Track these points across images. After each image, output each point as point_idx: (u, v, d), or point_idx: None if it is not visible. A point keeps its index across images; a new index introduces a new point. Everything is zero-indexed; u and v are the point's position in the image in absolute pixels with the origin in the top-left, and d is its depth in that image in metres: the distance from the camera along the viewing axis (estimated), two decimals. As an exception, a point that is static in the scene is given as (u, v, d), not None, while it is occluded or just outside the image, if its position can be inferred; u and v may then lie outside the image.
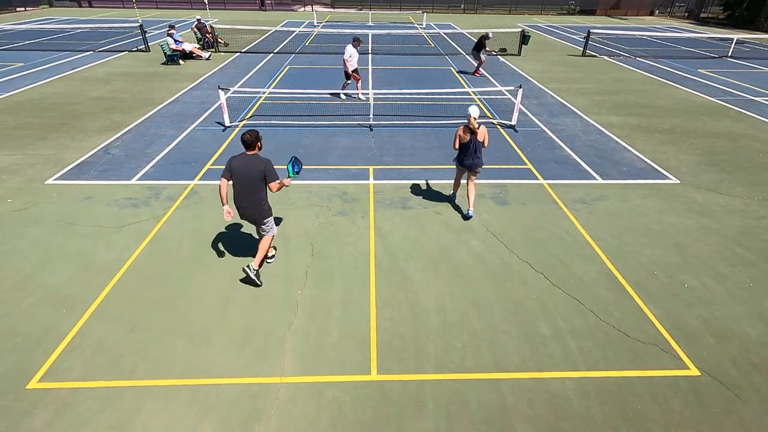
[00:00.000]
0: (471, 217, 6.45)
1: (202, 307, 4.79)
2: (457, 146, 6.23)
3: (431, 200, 7.05)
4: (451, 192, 7.01)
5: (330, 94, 12.53)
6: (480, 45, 15.28)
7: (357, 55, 11.62)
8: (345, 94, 12.42)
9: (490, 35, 15.37)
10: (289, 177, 4.79)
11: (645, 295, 5.07)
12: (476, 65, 15.66)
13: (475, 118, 5.96)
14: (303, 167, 5.09)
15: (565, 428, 3.61)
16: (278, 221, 4.97)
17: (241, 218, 5.01)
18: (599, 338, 4.47)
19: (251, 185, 4.73)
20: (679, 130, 10.37)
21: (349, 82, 12.04)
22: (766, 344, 4.45)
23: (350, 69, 11.61)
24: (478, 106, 6.67)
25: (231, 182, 4.79)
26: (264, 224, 5.02)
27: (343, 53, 11.52)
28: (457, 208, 6.84)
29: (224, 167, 4.77)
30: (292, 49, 19.71)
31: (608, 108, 12.03)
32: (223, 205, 4.85)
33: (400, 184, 7.56)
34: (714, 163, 8.62)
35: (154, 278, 5.20)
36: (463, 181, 6.82)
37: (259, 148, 4.82)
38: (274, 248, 5.65)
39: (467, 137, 6.07)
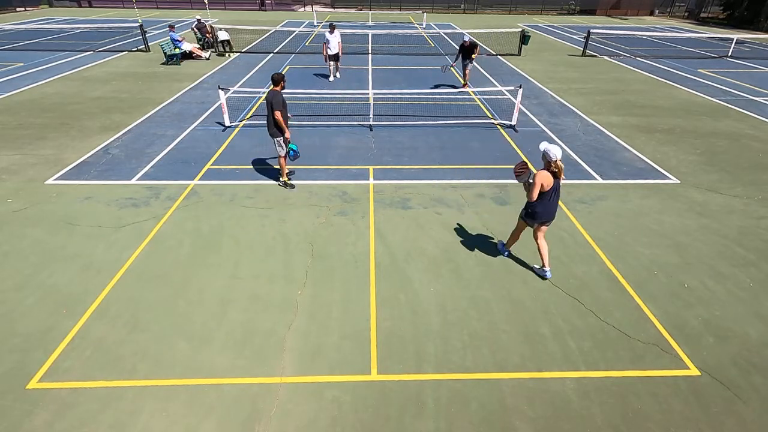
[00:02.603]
0: (549, 277, 5.27)
1: (202, 307, 4.79)
2: (536, 197, 4.90)
3: (431, 200, 7.04)
4: (500, 242, 5.86)
5: (328, 78, 14.39)
6: (468, 53, 12.83)
7: (333, 39, 13.32)
8: (335, 75, 14.42)
9: (467, 39, 12.72)
10: (290, 148, 7.13)
11: (645, 295, 5.07)
12: (464, 76, 13.43)
13: (559, 161, 4.78)
14: (299, 159, 7.60)
15: (565, 428, 3.61)
16: (292, 153, 7.18)
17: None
18: (599, 338, 4.47)
19: (270, 111, 6.74)
20: (679, 130, 10.37)
21: (331, 63, 13.94)
22: (766, 344, 4.45)
23: (325, 52, 13.55)
24: (550, 141, 5.38)
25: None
26: (275, 143, 7.02)
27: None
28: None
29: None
30: (292, 49, 19.70)
31: (608, 108, 12.03)
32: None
33: (400, 184, 7.56)
34: (714, 163, 8.62)
35: (154, 278, 5.20)
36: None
37: (282, 87, 6.79)
38: (288, 177, 7.44)
39: (551, 182, 4.84)
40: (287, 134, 6.89)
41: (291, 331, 4.50)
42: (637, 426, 3.63)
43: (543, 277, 5.29)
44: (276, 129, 6.85)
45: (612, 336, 4.50)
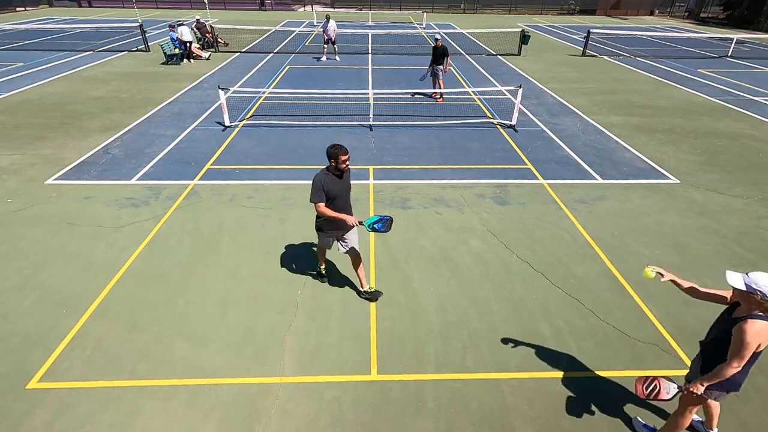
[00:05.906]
0: None
1: (201, 307, 4.78)
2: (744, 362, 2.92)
3: (431, 200, 7.04)
4: (639, 422, 3.64)
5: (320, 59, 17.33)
6: (439, 57, 11.59)
7: (330, 28, 16.80)
8: (327, 57, 17.41)
9: (439, 39, 11.57)
10: (364, 224, 4.33)
11: (645, 295, 5.07)
12: (437, 87, 12.12)
13: None
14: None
15: (565, 428, 3.61)
16: (320, 237, 4.77)
17: None
18: (599, 338, 4.47)
19: None
20: (679, 130, 10.36)
21: (326, 46, 17.19)
22: (766, 344, 4.44)
23: (325, 37, 16.96)
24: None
25: None
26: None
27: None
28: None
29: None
30: (292, 48, 19.72)
31: (608, 108, 12.03)
32: None
33: (400, 184, 7.56)
34: (714, 163, 8.62)
35: (154, 278, 5.20)
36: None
37: (335, 164, 4.35)
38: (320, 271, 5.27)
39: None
40: (349, 221, 4.35)
41: (291, 331, 4.50)
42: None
43: None
44: (318, 222, 4.61)
45: (612, 336, 4.50)
